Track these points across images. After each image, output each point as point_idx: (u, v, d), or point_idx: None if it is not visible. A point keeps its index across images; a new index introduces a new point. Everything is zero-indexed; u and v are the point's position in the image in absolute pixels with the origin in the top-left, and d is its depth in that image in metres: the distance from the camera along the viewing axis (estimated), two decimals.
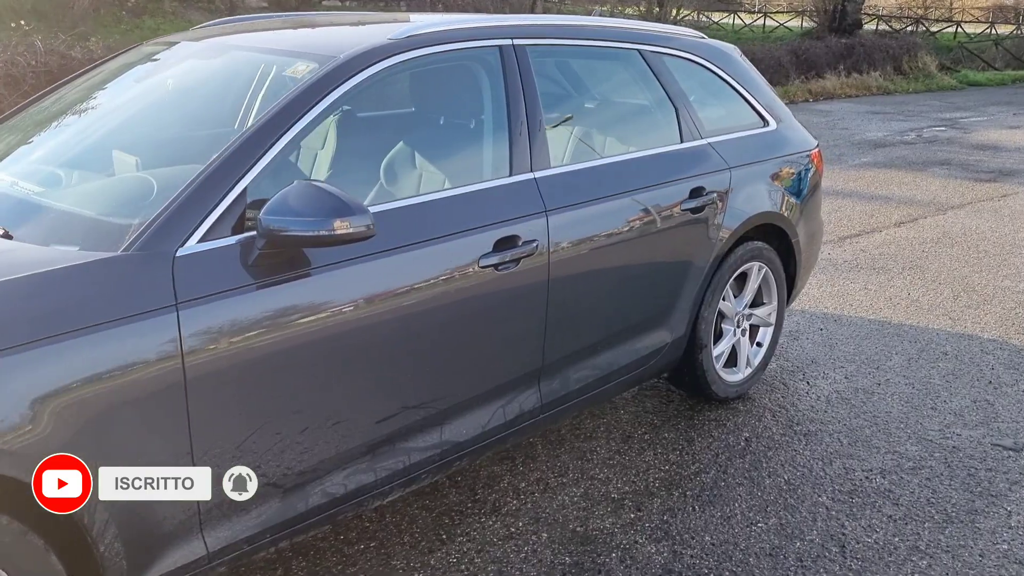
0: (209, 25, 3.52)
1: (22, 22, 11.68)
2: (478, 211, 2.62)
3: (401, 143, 2.84)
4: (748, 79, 3.91)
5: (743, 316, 3.81)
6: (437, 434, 2.60)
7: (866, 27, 31.16)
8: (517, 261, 2.64)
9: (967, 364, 4.31)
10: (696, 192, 3.33)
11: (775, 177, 3.81)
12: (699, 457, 3.36)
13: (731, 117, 3.80)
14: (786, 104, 4.23)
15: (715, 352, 3.70)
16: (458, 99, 3.02)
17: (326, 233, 2.05)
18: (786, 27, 36.47)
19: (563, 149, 3.12)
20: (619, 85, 3.63)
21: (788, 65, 18.18)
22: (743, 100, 3.84)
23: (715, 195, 3.41)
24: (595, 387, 3.12)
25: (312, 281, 2.19)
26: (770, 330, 3.98)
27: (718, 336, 3.75)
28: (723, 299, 3.66)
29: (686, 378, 3.69)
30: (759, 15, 41.04)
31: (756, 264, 3.76)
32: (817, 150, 4.16)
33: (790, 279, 4.03)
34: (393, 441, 2.48)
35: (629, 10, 28.07)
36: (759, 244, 3.73)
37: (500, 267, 2.60)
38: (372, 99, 2.85)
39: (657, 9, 26.53)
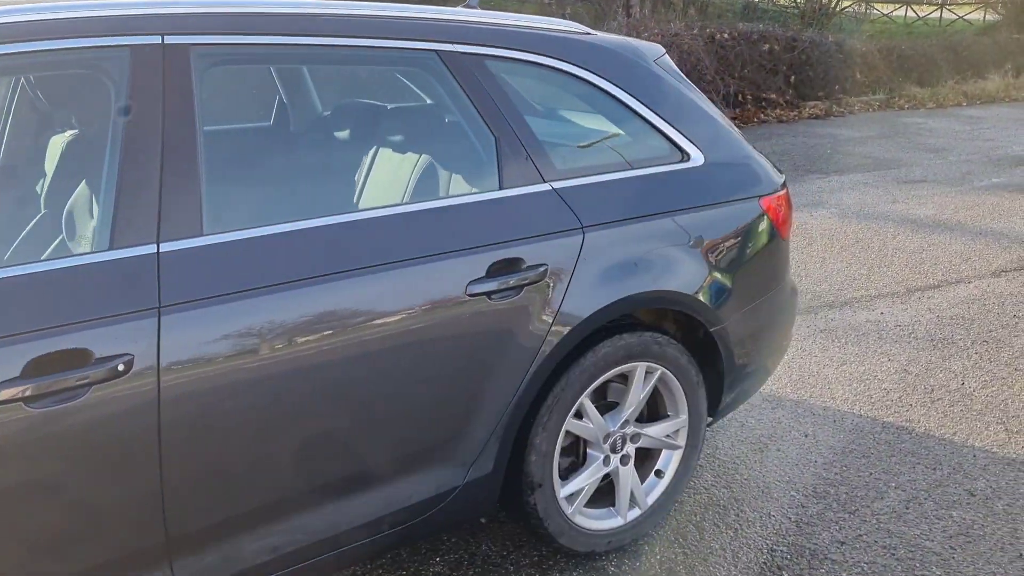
0: None
1: None
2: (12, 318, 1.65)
3: None
4: (659, 94, 2.71)
5: (623, 438, 2.62)
6: None
7: None
8: (80, 389, 1.66)
9: (998, 518, 2.91)
10: (501, 268, 2.20)
11: (684, 235, 2.60)
12: None
13: (614, 149, 2.62)
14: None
15: (567, 490, 2.54)
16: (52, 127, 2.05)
17: None
18: (965, 20, 32.96)
19: (253, 204, 2.08)
20: (385, 102, 2.53)
21: (943, 63, 15.94)
22: (644, 124, 2.64)
23: (543, 270, 2.27)
24: (292, 561, 2.07)
25: None
26: (677, 454, 2.77)
27: (577, 466, 2.59)
28: (578, 417, 2.50)
29: (522, 523, 2.56)
30: (935, 7, 37.44)
31: (642, 365, 2.57)
32: (778, 194, 2.89)
33: (718, 380, 2.79)
34: None
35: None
36: (646, 337, 2.54)
37: (32, 403, 1.63)
38: None
39: None
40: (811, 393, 3.79)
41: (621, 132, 2.67)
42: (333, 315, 1.97)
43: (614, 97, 2.59)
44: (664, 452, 2.77)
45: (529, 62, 2.45)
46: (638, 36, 10.57)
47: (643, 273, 2.49)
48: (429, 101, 2.56)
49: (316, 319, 1.95)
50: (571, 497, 2.56)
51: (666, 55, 2.88)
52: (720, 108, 5.14)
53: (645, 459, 2.77)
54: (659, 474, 2.78)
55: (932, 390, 3.83)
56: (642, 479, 2.75)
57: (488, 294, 2.19)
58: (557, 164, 2.43)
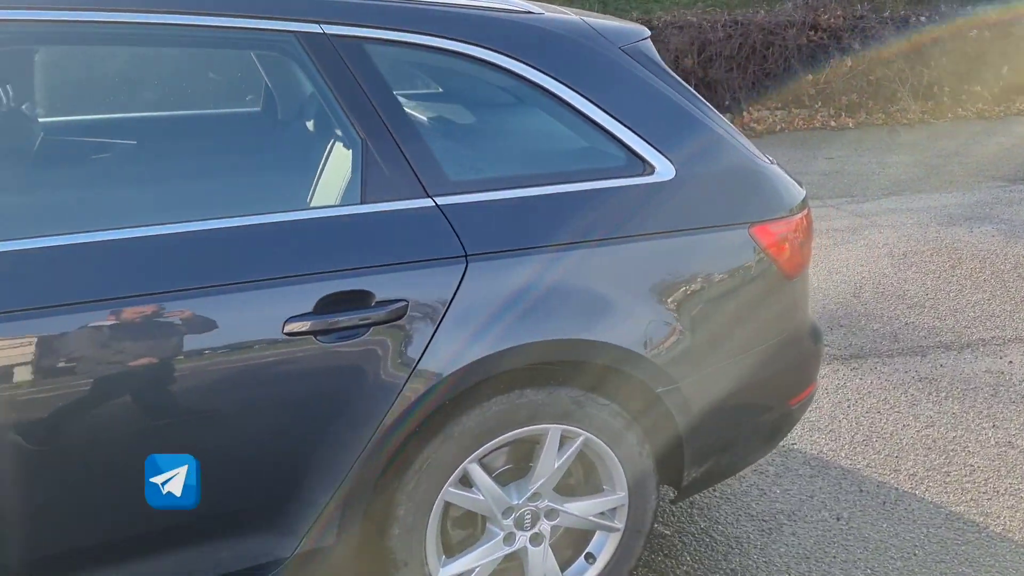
0: None
1: None
2: None
3: None
4: (618, 88, 2.16)
5: (534, 513, 2.13)
6: None
7: None
8: None
9: None
10: (335, 302, 1.79)
11: (626, 270, 2.07)
12: None
13: (543, 159, 2.12)
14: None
15: (450, 571, 2.10)
16: None
17: None
18: None
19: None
20: (215, 97, 2.13)
21: None
22: (591, 127, 2.11)
23: (400, 307, 1.83)
24: None
25: None
26: (613, 537, 2.24)
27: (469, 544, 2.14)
28: (468, 485, 2.04)
29: None
30: None
31: (555, 428, 2.07)
32: (785, 220, 2.27)
33: (677, 452, 2.24)
34: None
35: None
36: (560, 395, 2.04)
37: None
38: None
39: None
40: (870, 461, 3.07)
41: (559, 136, 2.16)
42: (113, 343, 1.65)
43: (550, 92, 2.07)
44: (599, 532, 2.25)
45: (427, 47, 1.99)
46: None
47: (551, 317, 1.98)
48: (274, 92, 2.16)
49: (91, 346, 1.63)
50: None
51: (647, 40, 2.31)
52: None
53: (580, 539, 2.27)
54: (589, 559, 2.26)
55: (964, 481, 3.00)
56: (569, 562, 2.25)
57: (315, 334, 1.77)
58: (452, 175, 1.96)
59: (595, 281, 2.03)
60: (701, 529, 2.70)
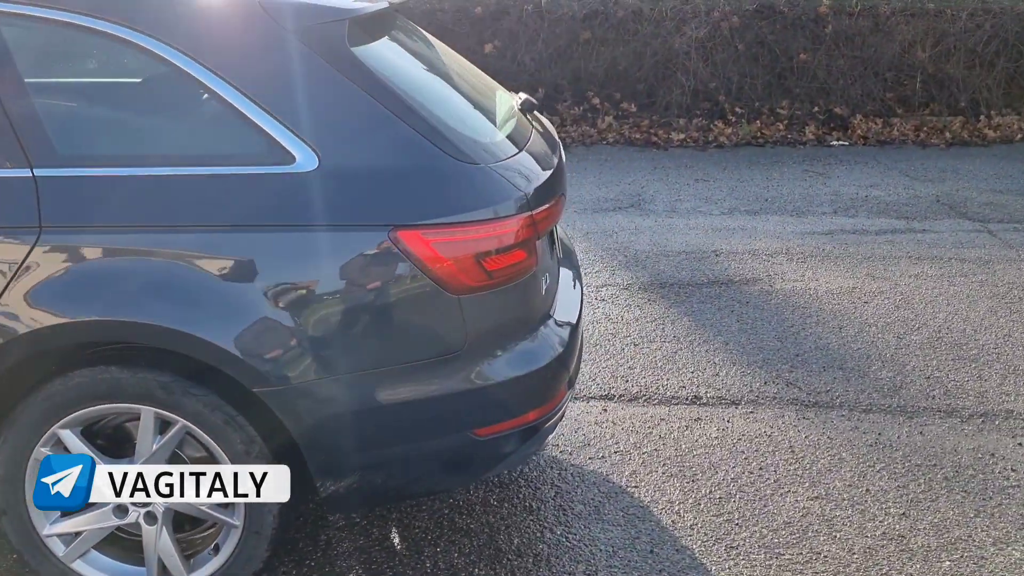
0: None
1: None
2: None
3: None
4: (266, 71, 2.08)
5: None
6: None
7: None
8: None
9: None
10: None
11: (225, 260, 2.00)
12: None
13: (171, 140, 2.13)
14: None
15: (58, 528, 2.18)
16: None
17: None
18: None
19: None
20: None
21: None
22: (230, 111, 2.03)
23: None
24: None
25: None
26: (235, 533, 2.18)
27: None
28: (52, 450, 2.11)
29: None
30: None
31: (148, 410, 2.07)
32: (458, 227, 2.05)
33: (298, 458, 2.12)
34: None
35: None
36: (146, 377, 2.04)
37: None
38: None
39: None
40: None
41: (196, 119, 2.11)
42: None
43: (187, 73, 2.03)
44: (226, 527, 2.20)
45: (53, 21, 2.04)
46: None
47: (128, 298, 1.98)
48: None
49: None
50: (66, 537, 2.19)
51: (342, 22, 2.16)
52: None
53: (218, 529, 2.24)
54: (216, 550, 2.22)
55: None
56: (200, 551, 2.23)
57: None
58: (62, 149, 2.02)
59: (186, 268, 1.98)
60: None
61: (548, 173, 2.33)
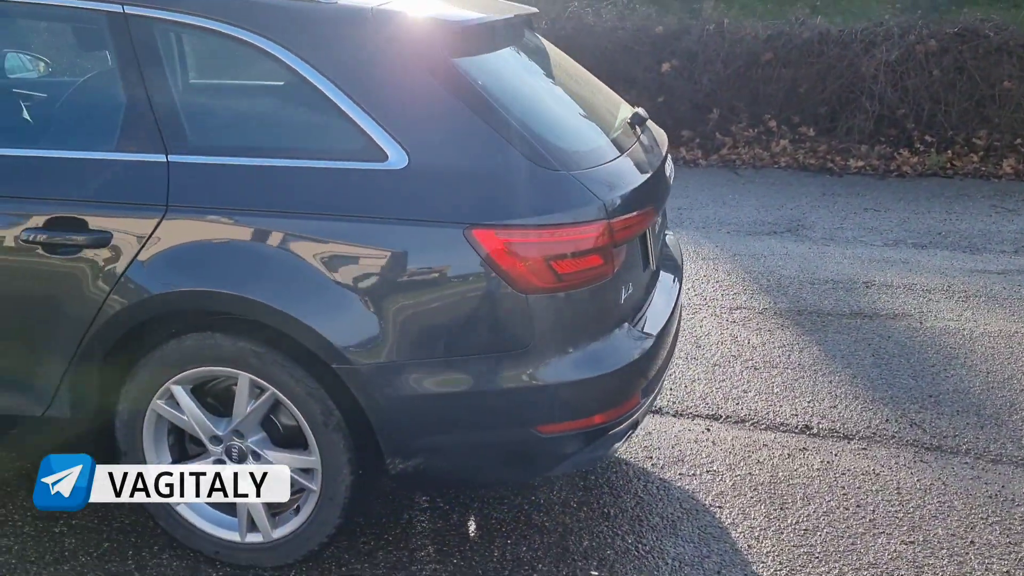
0: None
1: None
2: None
3: None
4: (367, 76, 2.26)
5: (240, 449, 2.39)
6: None
7: None
8: None
9: None
10: (59, 224, 2.28)
11: (317, 247, 2.20)
12: None
13: (286, 135, 2.37)
14: None
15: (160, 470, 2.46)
16: None
17: None
18: None
19: None
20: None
21: None
22: (336, 112, 2.23)
23: (105, 237, 2.25)
24: None
25: None
26: (312, 497, 2.38)
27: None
28: (166, 402, 2.38)
29: None
30: None
31: (244, 376, 2.30)
32: (530, 230, 2.16)
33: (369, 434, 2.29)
34: None
35: None
36: (242, 346, 2.27)
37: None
38: None
39: None
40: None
41: (307, 118, 2.34)
42: None
43: (301, 76, 2.24)
44: (306, 490, 2.40)
45: (191, 26, 2.32)
46: None
47: (233, 274, 2.22)
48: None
49: None
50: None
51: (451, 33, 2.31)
52: None
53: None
54: (297, 511, 2.42)
55: None
56: (285, 510, 2.45)
57: (42, 244, 2.29)
58: (194, 138, 2.30)
59: (281, 252, 2.19)
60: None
61: (637, 185, 2.38)
